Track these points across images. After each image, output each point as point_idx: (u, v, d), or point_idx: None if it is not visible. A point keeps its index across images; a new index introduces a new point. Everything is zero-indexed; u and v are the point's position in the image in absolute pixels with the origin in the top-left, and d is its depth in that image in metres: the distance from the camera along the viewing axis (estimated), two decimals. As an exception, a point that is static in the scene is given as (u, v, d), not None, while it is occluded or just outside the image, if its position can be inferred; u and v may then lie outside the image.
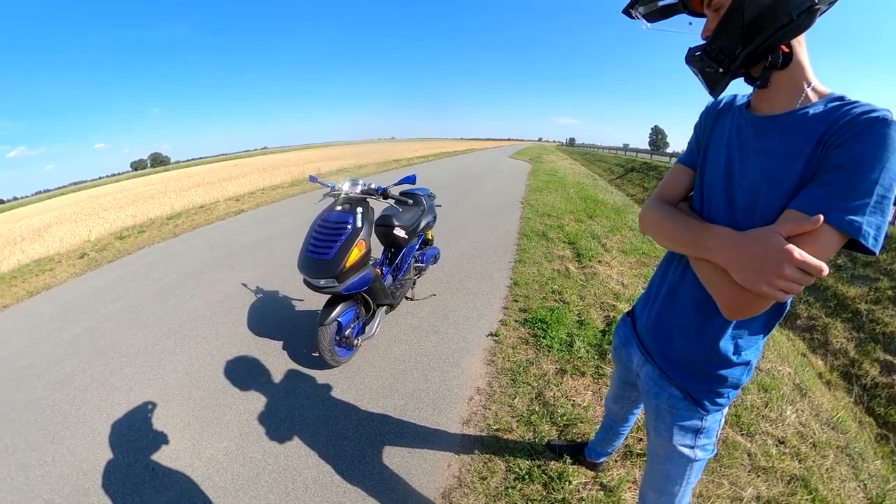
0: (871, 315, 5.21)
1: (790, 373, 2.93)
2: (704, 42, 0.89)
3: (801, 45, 0.84)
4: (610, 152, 27.57)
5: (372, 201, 2.86)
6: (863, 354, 4.61)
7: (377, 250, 3.36)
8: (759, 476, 2.00)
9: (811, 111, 0.81)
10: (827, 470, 2.09)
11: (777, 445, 2.20)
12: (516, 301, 3.77)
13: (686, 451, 1.08)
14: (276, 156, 48.91)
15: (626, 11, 1.00)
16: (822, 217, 0.72)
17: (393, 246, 3.45)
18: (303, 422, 2.42)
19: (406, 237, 3.32)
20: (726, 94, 1.00)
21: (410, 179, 3.11)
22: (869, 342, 4.76)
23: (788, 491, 1.93)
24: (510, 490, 1.91)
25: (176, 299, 4.26)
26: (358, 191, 2.76)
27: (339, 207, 2.68)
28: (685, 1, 0.92)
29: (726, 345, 0.94)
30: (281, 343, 3.26)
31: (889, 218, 0.74)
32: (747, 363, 0.97)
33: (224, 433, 2.37)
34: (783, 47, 0.82)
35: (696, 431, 1.06)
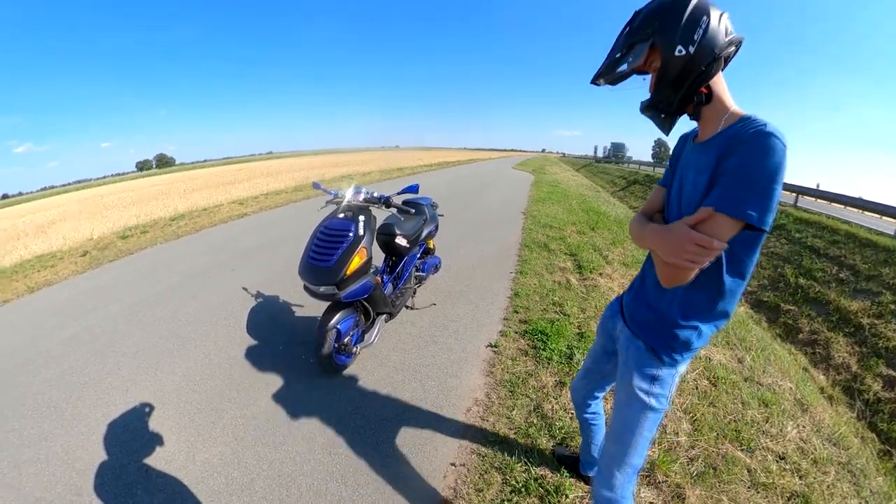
0: (873, 329, 5.18)
1: (791, 388, 2.91)
2: (650, 95, 1.17)
3: (719, 83, 1.11)
4: (641, 168, 26.97)
5: (374, 209, 2.88)
6: (865, 369, 4.58)
7: (378, 258, 3.37)
8: (758, 492, 1.98)
9: (723, 133, 1.06)
10: (828, 487, 2.07)
11: (777, 461, 2.18)
12: (517, 312, 3.76)
13: (642, 395, 1.28)
14: (280, 161, 49.16)
15: (594, 82, 1.25)
16: (712, 208, 0.99)
17: (394, 254, 3.45)
18: (299, 428, 2.41)
19: (407, 246, 3.32)
20: (690, 129, 1.28)
21: (413, 189, 3.12)
22: (871, 357, 4.73)
23: None
24: (506, 502, 1.89)
25: (176, 301, 4.27)
26: (360, 199, 2.77)
27: (341, 215, 2.70)
28: (633, 68, 1.15)
29: (675, 312, 1.22)
30: (279, 348, 3.25)
31: (777, 203, 0.98)
32: (695, 328, 1.21)
33: (219, 437, 2.35)
34: (703, 89, 1.10)
35: (653, 378, 1.28)
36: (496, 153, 78.68)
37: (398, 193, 3.04)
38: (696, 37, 1.04)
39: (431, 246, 4.18)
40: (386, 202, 2.85)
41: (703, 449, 2.20)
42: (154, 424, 2.47)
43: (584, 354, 2.95)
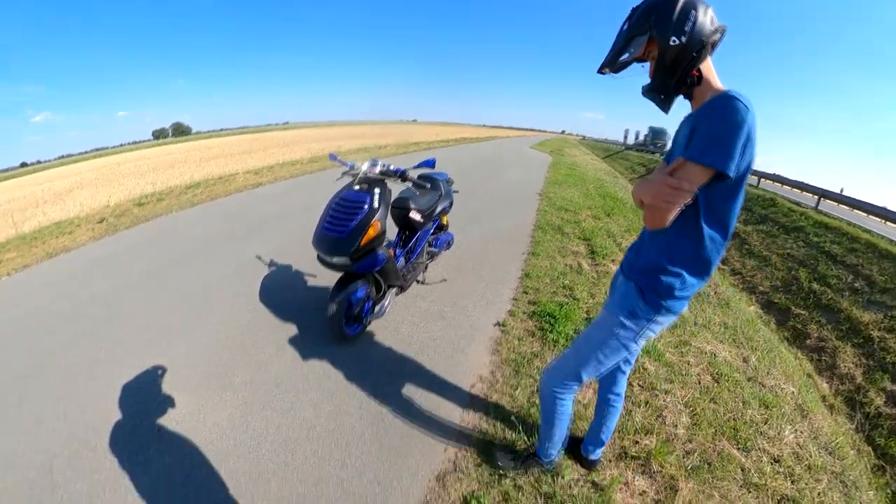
0: (882, 343, 5.12)
1: (793, 392, 2.91)
2: (650, 80, 1.35)
3: (708, 67, 1.29)
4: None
5: (389, 183, 2.87)
6: (870, 382, 4.55)
7: (392, 232, 3.39)
8: (750, 492, 1.99)
9: (702, 104, 1.24)
10: (819, 494, 2.08)
11: (772, 464, 2.19)
12: (526, 293, 3.77)
13: (615, 321, 1.48)
14: (296, 131, 48.88)
15: (600, 72, 1.43)
16: (682, 158, 1.19)
17: (408, 228, 3.46)
18: (306, 395, 2.48)
19: (421, 221, 3.33)
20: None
21: (430, 163, 3.11)
22: (877, 370, 4.69)
23: None
24: (503, 479, 1.93)
25: (190, 268, 4.35)
26: (377, 171, 2.77)
27: (356, 187, 2.70)
28: (634, 58, 1.33)
29: (663, 258, 1.38)
30: (290, 316, 3.32)
31: (738, 155, 1.14)
32: (679, 275, 1.36)
33: (229, 401, 2.43)
34: (695, 72, 1.28)
35: (630, 313, 1.45)
36: (514, 132, 77.26)
37: (414, 167, 3.04)
38: (687, 28, 1.22)
39: (445, 222, 4.18)
40: (402, 176, 2.84)
41: (700, 443, 2.22)
42: (166, 387, 2.56)
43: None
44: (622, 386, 1.83)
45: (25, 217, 8.28)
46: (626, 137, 48.76)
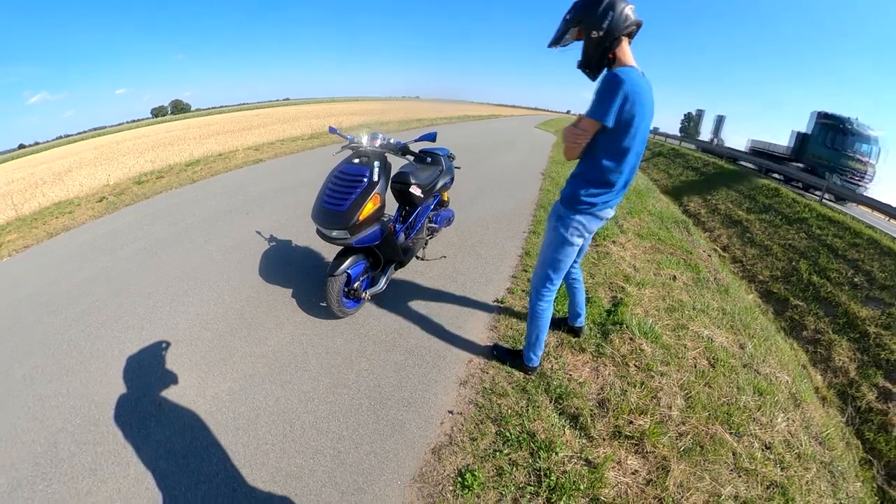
0: (878, 339, 5.16)
1: (788, 381, 2.93)
2: (581, 58, 1.84)
3: (623, 50, 1.72)
4: (668, 140, 24.30)
5: (390, 157, 2.83)
6: (863, 377, 4.60)
7: (392, 207, 3.34)
8: (739, 476, 2.02)
9: None
10: (807, 482, 2.10)
11: (763, 450, 2.21)
12: (525, 271, 3.76)
13: (550, 226, 2.09)
14: (297, 107, 48.16)
15: (549, 47, 1.90)
16: (582, 114, 1.76)
17: (408, 204, 3.42)
18: (305, 368, 2.50)
19: (422, 196, 3.28)
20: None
21: (431, 137, 3.06)
22: (871, 366, 4.73)
23: (766, 496, 1.94)
24: (497, 453, 1.96)
25: (191, 243, 4.34)
26: (377, 145, 2.73)
27: (356, 160, 2.67)
28: (569, 41, 1.84)
29: (574, 178, 1.97)
30: (290, 291, 3.32)
31: (616, 111, 1.65)
32: (583, 185, 1.92)
33: (229, 374, 2.46)
34: (610, 56, 1.73)
35: (559, 216, 2.04)
36: (518, 110, 76.05)
37: (415, 141, 2.98)
38: (604, 25, 1.65)
39: (446, 198, 4.13)
40: (402, 149, 2.80)
41: (693, 426, 2.24)
42: (167, 361, 2.58)
43: (589, 319, 3.02)
44: (577, 272, 2.51)
45: (25, 199, 8.23)
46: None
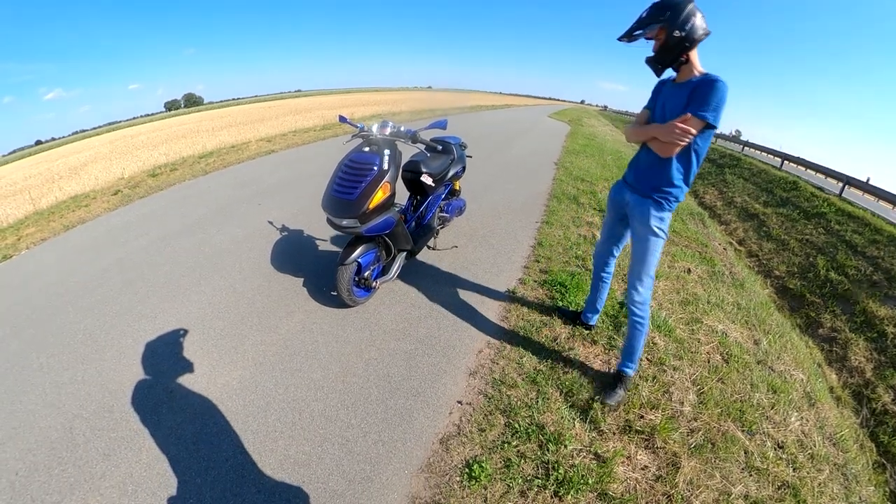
0: (896, 340, 5.04)
1: (802, 380, 2.86)
2: (653, 54, 1.92)
3: (694, 54, 1.86)
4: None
5: (401, 145, 2.80)
6: (879, 378, 4.49)
7: (403, 195, 3.31)
8: (751, 475, 1.96)
9: (693, 81, 1.84)
10: (819, 484, 2.05)
11: (775, 449, 2.15)
12: (538, 262, 3.73)
13: (656, 230, 2.06)
14: (309, 99, 48.11)
15: (619, 40, 1.99)
16: (689, 113, 1.79)
17: (419, 193, 3.39)
18: (315, 357, 2.51)
19: (433, 185, 3.24)
20: (664, 76, 2.03)
21: (442, 124, 3.01)
22: (888, 367, 4.62)
23: (777, 496, 1.89)
24: (506, 445, 1.95)
25: (203, 234, 4.39)
26: (387, 133, 2.70)
27: (366, 148, 2.65)
28: (646, 37, 1.91)
29: (670, 178, 1.98)
30: (301, 280, 3.34)
31: (718, 113, 1.76)
32: (679, 187, 2.00)
33: (240, 362, 2.48)
34: (684, 56, 1.86)
35: (660, 219, 2.06)
36: (531, 100, 75.06)
37: (426, 129, 2.94)
38: (687, 27, 1.78)
39: (457, 187, 4.10)
40: (413, 137, 2.77)
41: (705, 422, 2.20)
42: (180, 350, 2.61)
43: (601, 311, 2.97)
44: (612, 265, 2.55)
45: (42, 193, 8.38)
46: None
